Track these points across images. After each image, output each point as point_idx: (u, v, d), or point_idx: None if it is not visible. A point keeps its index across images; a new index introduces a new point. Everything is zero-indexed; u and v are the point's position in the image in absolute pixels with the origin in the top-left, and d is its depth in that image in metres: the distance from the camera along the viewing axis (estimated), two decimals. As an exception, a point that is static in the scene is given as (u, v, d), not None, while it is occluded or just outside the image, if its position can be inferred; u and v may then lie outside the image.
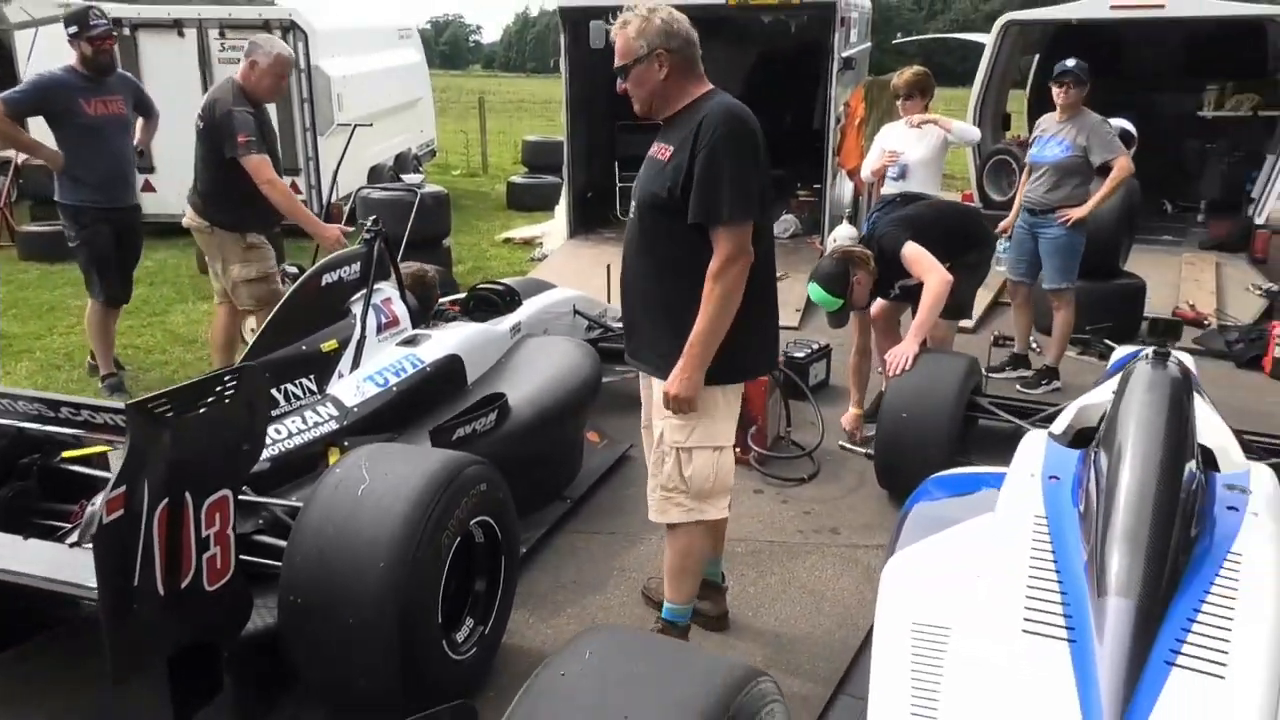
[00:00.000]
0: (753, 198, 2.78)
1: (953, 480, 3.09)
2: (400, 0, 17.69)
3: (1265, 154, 9.47)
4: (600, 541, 4.02)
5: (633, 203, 3.03)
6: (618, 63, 2.88)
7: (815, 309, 7.59)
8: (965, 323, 7.05)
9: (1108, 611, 1.91)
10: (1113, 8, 9.62)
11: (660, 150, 2.89)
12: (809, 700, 2.97)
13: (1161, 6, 9.43)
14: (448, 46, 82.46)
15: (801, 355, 5.60)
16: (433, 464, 2.78)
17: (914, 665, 2.24)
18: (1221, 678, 1.80)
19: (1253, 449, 3.68)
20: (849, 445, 4.97)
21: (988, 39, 10.22)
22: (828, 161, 8.81)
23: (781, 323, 7.44)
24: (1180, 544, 2.06)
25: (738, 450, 4.69)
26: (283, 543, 2.78)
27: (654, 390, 2.99)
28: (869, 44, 11.38)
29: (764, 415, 4.79)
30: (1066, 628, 1.93)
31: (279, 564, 2.71)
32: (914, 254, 4.52)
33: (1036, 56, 11.22)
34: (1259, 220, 8.95)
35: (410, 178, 9.12)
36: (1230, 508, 2.25)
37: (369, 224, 4.10)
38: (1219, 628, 1.90)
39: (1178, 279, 7.92)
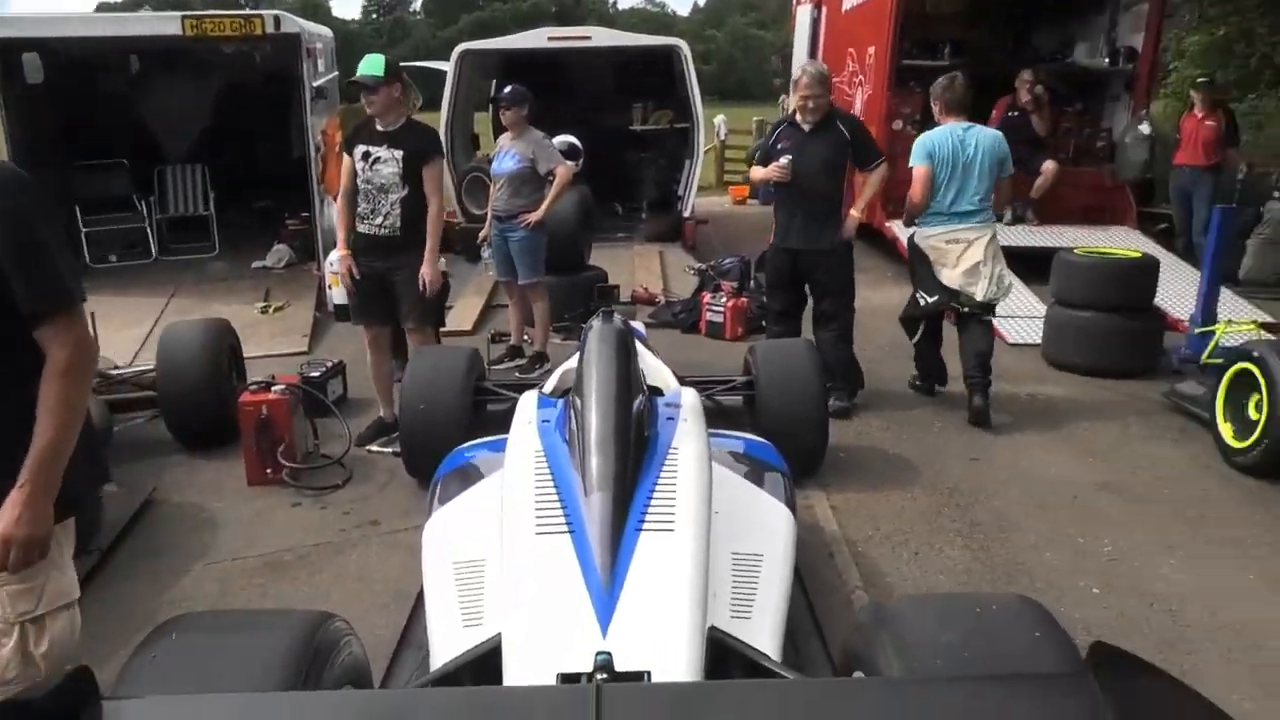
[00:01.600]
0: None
1: (469, 450, 3.64)
2: None
3: (684, 159, 11.46)
4: (144, 580, 3.98)
5: None
6: None
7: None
8: (464, 325, 7.76)
9: (593, 504, 2.52)
10: (550, 39, 11.01)
11: None
12: (376, 664, 3.30)
13: (589, 38, 10.98)
14: None
15: (318, 374, 5.83)
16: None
17: (460, 595, 2.72)
18: (672, 532, 2.50)
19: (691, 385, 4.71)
20: (376, 447, 5.32)
21: (449, 66, 11.09)
22: (313, 189, 9.01)
23: (290, 350, 7.57)
24: (636, 447, 2.75)
25: (269, 471, 4.89)
26: None
27: None
28: (336, 73, 11.71)
29: (290, 432, 4.97)
30: (567, 523, 2.51)
31: None
32: (440, 170, 5.10)
33: (494, 81, 12.37)
34: (685, 214, 10.85)
35: None
36: (669, 418, 3.03)
37: None
38: (668, 500, 2.61)
39: (633, 268, 9.37)
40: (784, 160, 5.55)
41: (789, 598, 2.75)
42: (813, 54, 13.32)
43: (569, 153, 7.65)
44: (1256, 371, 4.86)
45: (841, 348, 5.78)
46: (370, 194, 5.07)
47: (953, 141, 5.57)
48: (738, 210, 15.21)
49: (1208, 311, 6.50)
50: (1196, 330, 6.49)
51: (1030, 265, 8.13)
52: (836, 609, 3.55)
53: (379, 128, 5.05)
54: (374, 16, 68.51)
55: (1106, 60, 10.45)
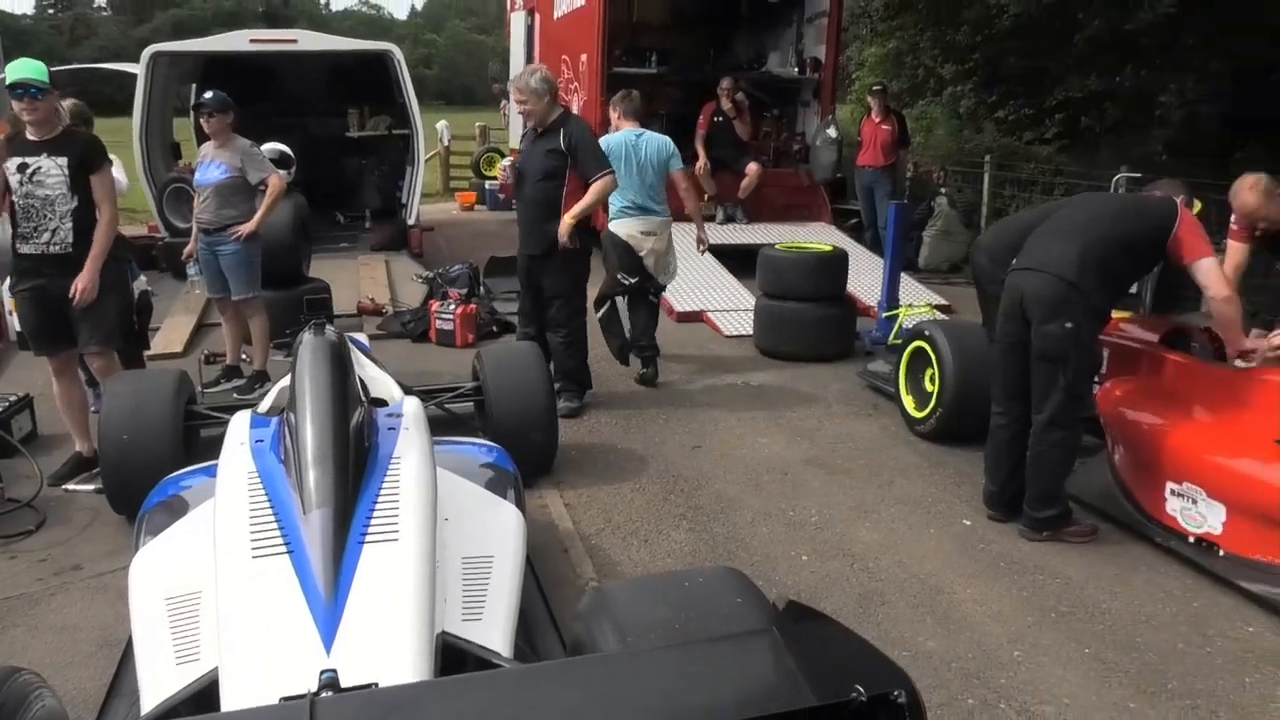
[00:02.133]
0: None
1: (179, 479, 3.44)
2: None
3: (406, 165, 11.26)
4: None
5: None
6: None
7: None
8: (173, 347, 7.26)
9: (312, 521, 2.47)
10: (252, 41, 10.46)
11: None
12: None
13: (295, 41, 10.55)
14: None
15: (-1, 410, 5.25)
16: None
17: (173, 632, 2.58)
18: (396, 541, 2.49)
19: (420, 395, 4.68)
20: (74, 485, 4.88)
21: (140, 69, 10.26)
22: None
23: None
24: (357, 460, 2.72)
25: (-58, 523, 4.36)
26: None
27: None
28: (4, 75, 10.55)
29: (-33, 478, 4.46)
30: (285, 543, 2.44)
31: None
32: (110, 177, 4.83)
33: (194, 86, 11.58)
34: (410, 221, 10.68)
35: None
36: (391, 428, 3.01)
37: None
38: (391, 509, 2.60)
39: (357, 279, 9.10)
40: (506, 161, 5.71)
41: (520, 596, 2.82)
42: (529, 60, 13.50)
43: (280, 161, 7.35)
44: (928, 348, 5.49)
45: (571, 354, 5.88)
46: (32, 210, 4.66)
47: (627, 146, 6.31)
48: (464, 216, 15.13)
49: (891, 297, 7.25)
50: (884, 314, 7.23)
51: (741, 261, 8.71)
52: (572, 601, 3.65)
53: (32, 137, 4.66)
54: (51, 12, 61.90)
55: (796, 69, 11.36)
